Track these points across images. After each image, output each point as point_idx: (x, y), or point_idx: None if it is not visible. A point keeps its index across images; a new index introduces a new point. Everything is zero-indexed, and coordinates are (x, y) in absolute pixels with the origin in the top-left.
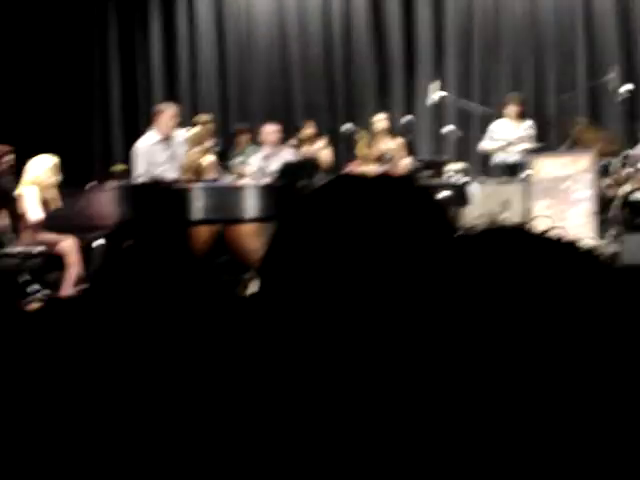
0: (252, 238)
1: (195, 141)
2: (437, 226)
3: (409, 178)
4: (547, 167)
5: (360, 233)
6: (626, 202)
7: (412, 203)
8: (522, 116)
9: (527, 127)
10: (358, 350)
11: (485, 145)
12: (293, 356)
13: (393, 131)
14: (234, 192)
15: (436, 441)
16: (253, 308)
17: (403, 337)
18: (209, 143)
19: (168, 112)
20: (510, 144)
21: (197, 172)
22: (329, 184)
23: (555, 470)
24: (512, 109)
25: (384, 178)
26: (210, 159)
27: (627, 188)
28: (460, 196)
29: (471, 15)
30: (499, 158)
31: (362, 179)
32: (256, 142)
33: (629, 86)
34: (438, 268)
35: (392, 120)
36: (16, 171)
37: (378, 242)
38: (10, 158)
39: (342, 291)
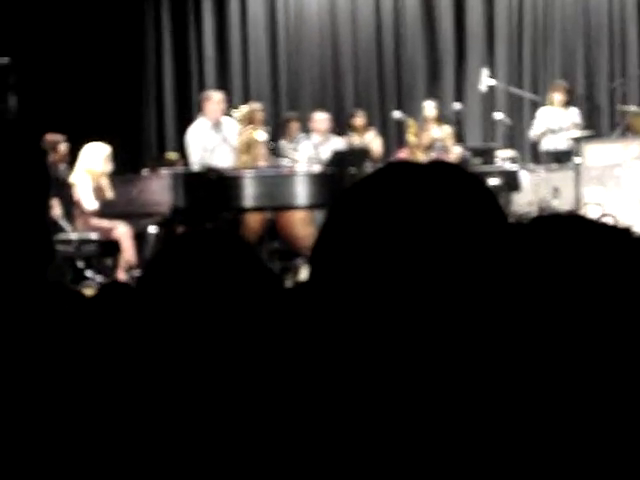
0: (302, 225)
1: (246, 119)
2: (490, 213)
3: (460, 165)
4: (598, 154)
5: (412, 220)
6: None
7: (464, 190)
8: (568, 103)
9: (573, 114)
10: (409, 339)
11: (532, 133)
12: (341, 345)
13: (443, 119)
14: (285, 179)
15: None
16: (303, 296)
17: (458, 325)
18: (259, 124)
19: (214, 98)
20: (556, 131)
21: (250, 149)
22: (380, 171)
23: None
24: (557, 97)
25: (435, 165)
26: (263, 136)
27: None
28: (510, 183)
29: (522, 2)
30: (548, 145)
31: (413, 166)
32: (306, 131)
33: None
34: (492, 255)
35: (442, 108)
36: (70, 159)
37: (430, 229)
38: (64, 147)
39: (393, 279)
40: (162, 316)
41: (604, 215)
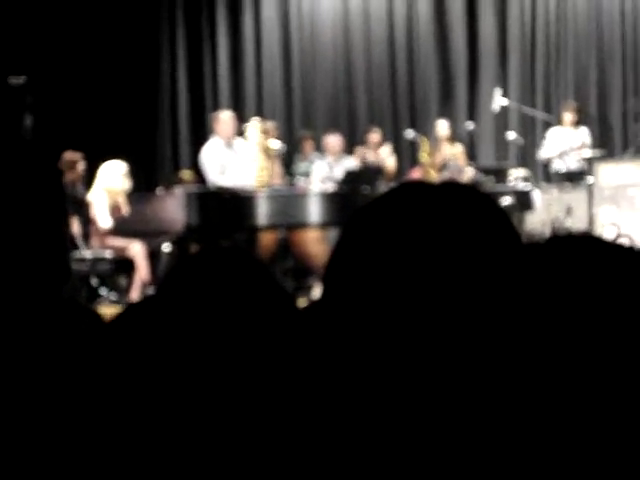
0: (316, 244)
1: (260, 131)
2: (503, 234)
3: (473, 185)
4: (611, 174)
5: (424, 240)
6: None
7: (477, 210)
8: (579, 123)
9: (584, 134)
10: (420, 358)
11: (543, 153)
12: (352, 363)
13: (456, 138)
14: (298, 198)
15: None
16: (316, 316)
17: (470, 345)
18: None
19: (224, 118)
20: (566, 151)
21: (267, 154)
22: (392, 191)
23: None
24: (567, 116)
25: (448, 185)
26: (277, 144)
27: None
28: (523, 202)
29: (534, 21)
30: (559, 165)
31: (425, 186)
32: (320, 149)
33: None
34: (506, 276)
35: (455, 127)
36: (86, 178)
37: (443, 250)
38: (82, 165)
39: (406, 299)
40: (175, 334)
41: (620, 236)
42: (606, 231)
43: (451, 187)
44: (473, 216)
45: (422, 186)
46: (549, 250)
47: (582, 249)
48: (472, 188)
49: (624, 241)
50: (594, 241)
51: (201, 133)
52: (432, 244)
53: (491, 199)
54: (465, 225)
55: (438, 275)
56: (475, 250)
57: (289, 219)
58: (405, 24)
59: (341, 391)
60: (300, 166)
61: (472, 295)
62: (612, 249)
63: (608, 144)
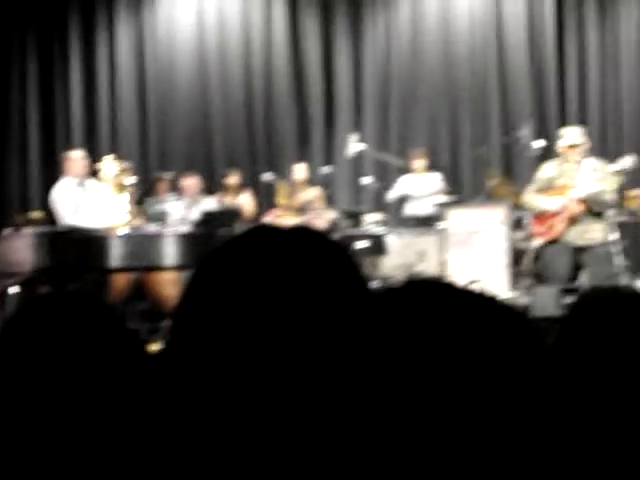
0: (171, 286)
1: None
2: (348, 279)
3: (323, 231)
4: (462, 219)
5: (271, 284)
6: (537, 255)
7: (323, 256)
8: (430, 169)
9: (435, 180)
10: (268, 403)
11: (389, 197)
12: (199, 408)
13: (313, 181)
14: (153, 240)
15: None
16: (163, 360)
17: (319, 391)
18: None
19: (74, 157)
20: (418, 197)
21: (120, 187)
22: (243, 235)
23: None
24: (418, 163)
25: (298, 230)
26: (130, 180)
27: (538, 241)
28: (378, 246)
29: (389, 69)
30: (412, 210)
31: (276, 230)
32: (177, 190)
33: (541, 142)
34: (350, 322)
35: (312, 170)
36: None
37: (290, 294)
38: None
39: (249, 341)
40: (17, 377)
41: (472, 281)
42: (458, 276)
43: (301, 232)
44: (320, 261)
45: (273, 230)
46: (399, 296)
47: (435, 295)
48: (320, 234)
49: (476, 287)
50: (447, 287)
51: (52, 172)
52: (279, 288)
53: (339, 246)
54: (311, 270)
55: (283, 319)
56: (321, 295)
57: (143, 261)
58: (263, 68)
59: (186, 436)
60: (155, 207)
61: (318, 339)
62: (463, 295)
63: (459, 190)
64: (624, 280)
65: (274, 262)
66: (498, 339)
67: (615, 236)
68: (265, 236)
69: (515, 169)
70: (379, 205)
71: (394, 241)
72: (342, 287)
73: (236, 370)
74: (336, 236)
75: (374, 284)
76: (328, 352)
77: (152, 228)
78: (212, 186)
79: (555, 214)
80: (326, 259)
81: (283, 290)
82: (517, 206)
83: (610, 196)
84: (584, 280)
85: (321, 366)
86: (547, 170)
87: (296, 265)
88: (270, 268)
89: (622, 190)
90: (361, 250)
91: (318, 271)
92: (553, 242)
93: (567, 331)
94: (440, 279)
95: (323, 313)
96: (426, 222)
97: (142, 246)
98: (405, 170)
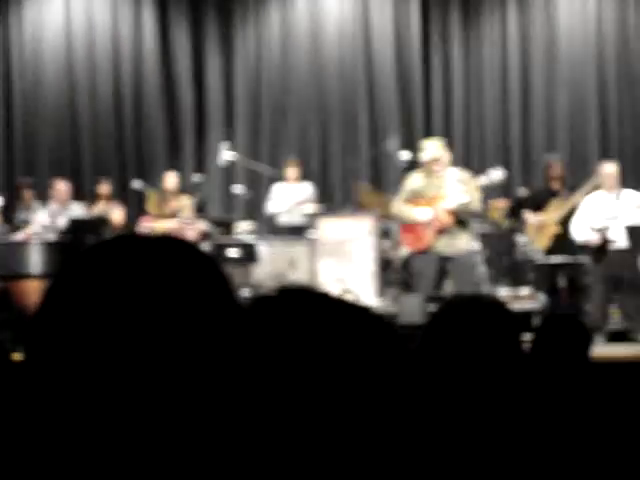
0: (37, 294)
1: None
2: (216, 290)
3: (191, 241)
4: (331, 229)
5: (131, 293)
6: (404, 264)
7: (192, 266)
8: (301, 178)
9: (307, 189)
10: (124, 411)
11: (270, 208)
12: (55, 419)
13: (184, 189)
14: (18, 248)
15: None
16: (22, 369)
17: (184, 404)
18: None
19: None
20: (292, 206)
21: None
22: (106, 243)
23: None
24: (290, 172)
25: (164, 239)
26: None
27: (405, 251)
28: (249, 255)
29: (259, 78)
30: (284, 219)
31: (141, 239)
32: (44, 197)
33: (408, 153)
34: (216, 332)
35: (183, 179)
36: None
37: (151, 304)
38: None
39: (104, 351)
40: None
41: (345, 291)
42: (331, 286)
43: (167, 241)
44: (185, 271)
45: (137, 238)
46: (268, 305)
47: (306, 304)
48: (188, 243)
49: (348, 296)
50: (317, 296)
51: None
52: (140, 297)
53: (206, 254)
54: (176, 279)
55: (142, 329)
56: (183, 304)
57: (8, 269)
58: (132, 76)
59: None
60: (20, 215)
61: (177, 349)
62: (333, 304)
63: (329, 200)
64: (486, 288)
65: (136, 271)
66: (364, 346)
67: (478, 246)
68: (128, 244)
69: (383, 180)
70: (250, 214)
71: (265, 250)
72: (208, 297)
73: (88, 380)
74: (207, 245)
75: (245, 292)
76: (192, 362)
77: (18, 236)
78: (81, 195)
79: (424, 224)
80: (192, 269)
81: (143, 299)
82: (385, 216)
83: (477, 207)
84: (448, 289)
85: (184, 376)
86: (413, 181)
87: (159, 274)
88: (131, 277)
89: (486, 201)
90: (232, 259)
91: (183, 281)
92: (422, 252)
93: (428, 337)
94: (312, 288)
95: (187, 323)
96: (297, 231)
97: (7, 254)
98: (277, 179)
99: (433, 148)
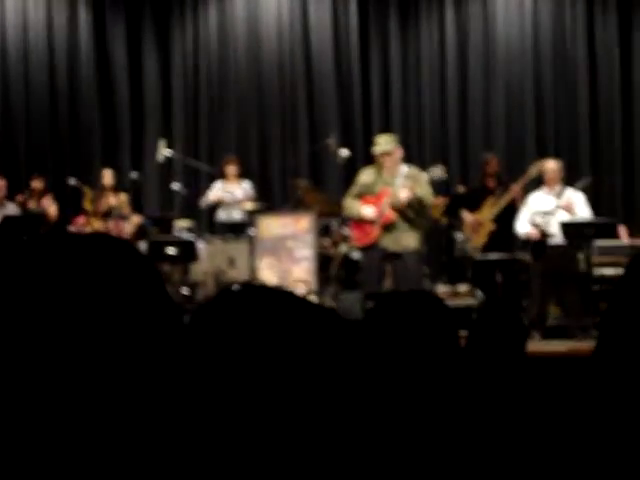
0: None
1: None
2: (149, 288)
3: (125, 238)
4: (271, 226)
5: (61, 291)
6: (343, 261)
7: (124, 263)
8: (241, 176)
9: (246, 187)
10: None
11: (203, 202)
12: None
13: (120, 187)
14: None
15: None
16: None
17: (111, 405)
18: None
19: None
20: (229, 203)
21: None
22: (37, 241)
23: None
24: (229, 169)
25: (97, 237)
26: None
27: (344, 248)
28: (188, 253)
29: (197, 76)
30: (222, 216)
31: (73, 236)
32: None
33: (346, 151)
34: (149, 330)
35: (119, 176)
36: None
37: (81, 302)
38: None
39: (33, 352)
40: None
41: (310, 292)
42: (297, 288)
43: (99, 239)
44: (118, 268)
45: (69, 236)
46: (217, 304)
47: (246, 300)
48: (121, 240)
49: (305, 287)
50: (259, 291)
51: None
52: (70, 295)
53: (140, 252)
54: (107, 277)
55: (72, 328)
56: (114, 302)
57: None
58: (67, 71)
59: None
60: None
61: (110, 347)
62: (299, 305)
63: (268, 197)
64: (426, 285)
65: (66, 269)
66: (309, 339)
67: (420, 243)
68: (60, 242)
69: (323, 177)
70: (189, 211)
71: (204, 247)
72: (140, 295)
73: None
74: (145, 242)
75: (184, 291)
76: (121, 360)
77: None
78: (15, 191)
79: (373, 220)
80: (124, 267)
81: (73, 297)
82: (324, 213)
83: (429, 200)
84: (388, 285)
85: (113, 374)
86: (365, 176)
87: (90, 272)
88: (62, 275)
89: None
90: (171, 256)
91: (114, 279)
92: (368, 248)
93: (366, 333)
94: (247, 283)
95: (120, 321)
96: (236, 229)
97: None
98: (215, 176)
99: (385, 143)
